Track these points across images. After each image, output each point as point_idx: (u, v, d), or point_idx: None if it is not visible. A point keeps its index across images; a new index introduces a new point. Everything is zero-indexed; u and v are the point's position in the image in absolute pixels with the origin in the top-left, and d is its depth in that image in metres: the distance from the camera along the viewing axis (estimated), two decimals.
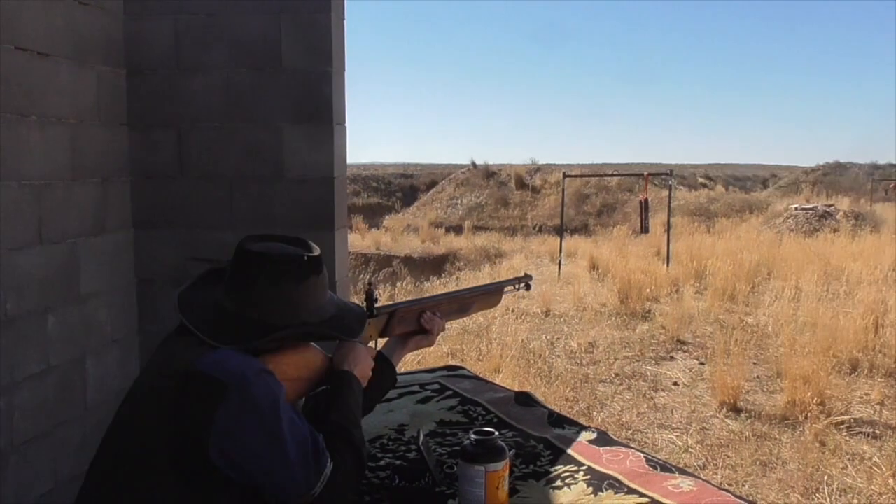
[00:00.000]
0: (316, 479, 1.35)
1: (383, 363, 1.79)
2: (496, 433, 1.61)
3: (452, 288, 11.84)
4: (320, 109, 3.01)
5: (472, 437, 1.59)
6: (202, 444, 1.29)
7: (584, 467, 1.80)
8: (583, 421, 2.18)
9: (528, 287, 2.23)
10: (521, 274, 2.28)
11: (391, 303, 1.89)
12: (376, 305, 1.78)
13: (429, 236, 19.52)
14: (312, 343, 1.61)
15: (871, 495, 4.12)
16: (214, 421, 1.29)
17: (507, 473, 1.59)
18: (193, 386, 1.32)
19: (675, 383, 6.27)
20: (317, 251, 1.53)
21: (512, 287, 2.20)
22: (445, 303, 1.98)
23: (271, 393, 1.35)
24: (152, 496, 1.32)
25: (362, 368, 1.63)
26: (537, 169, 27.55)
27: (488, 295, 2.13)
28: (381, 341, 1.89)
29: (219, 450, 1.30)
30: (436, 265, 15.76)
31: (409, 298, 2.08)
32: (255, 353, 1.43)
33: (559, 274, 11.85)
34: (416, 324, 1.89)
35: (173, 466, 1.30)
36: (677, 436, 5.07)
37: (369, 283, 1.84)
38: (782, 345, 6.95)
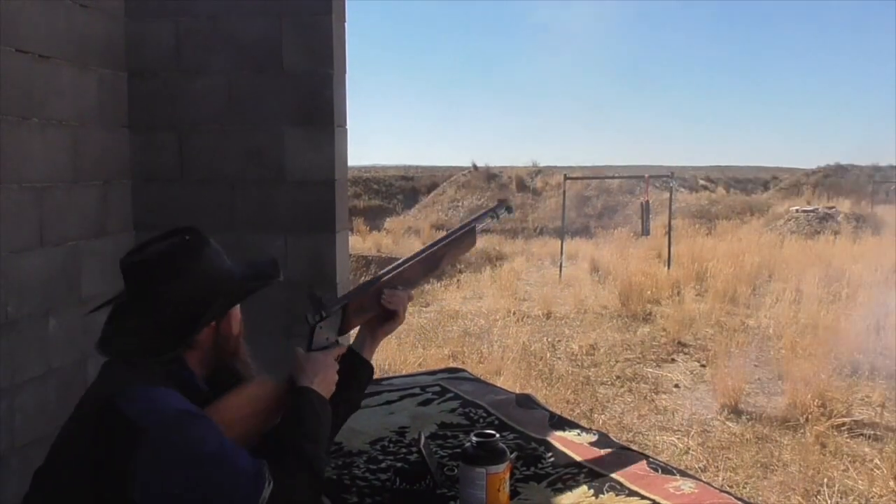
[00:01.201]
0: None
1: (354, 359, 1.68)
2: (497, 435, 1.60)
3: (449, 285, 11.84)
4: (321, 112, 3.02)
5: (473, 439, 1.58)
6: (124, 487, 1.23)
7: (585, 469, 1.80)
8: (584, 423, 2.17)
9: (509, 210, 1.92)
10: (496, 203, 1.95)
11: (341, 296, 1.69)
12: (324, 303, 1.60)
13: (430, 238, 19.51)
14: (262, 377, 1.51)
15: (871, 497, 4.11)
16: (134, 467, 1.22)
17: (508, 476, 1.58)
18: (110, 425, 1.25)
19: (676, 385, 6.27)
20: (193, 228, 1.47)
21: (489, 219, 1.91)
22: (406, 270, 1.74)
23: (193, 435, 1.27)
24: None
25: (323, 377, 1.52)
26: (538, 171, 27.52)
27: (457, 241, 1.82)
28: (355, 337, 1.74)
29: (142, 494, 1.23)
30: None
31: (361, 282, 1.80)
32: (198, 400, 1.35)
33: (560, 276, 11.84)
34: (378, 307, 1.69)
35: (97, 500, 1.25)
36: (678, 438, 5.06)
37: (310, 286, 1.69)
38: (783, 347, 6.95)
